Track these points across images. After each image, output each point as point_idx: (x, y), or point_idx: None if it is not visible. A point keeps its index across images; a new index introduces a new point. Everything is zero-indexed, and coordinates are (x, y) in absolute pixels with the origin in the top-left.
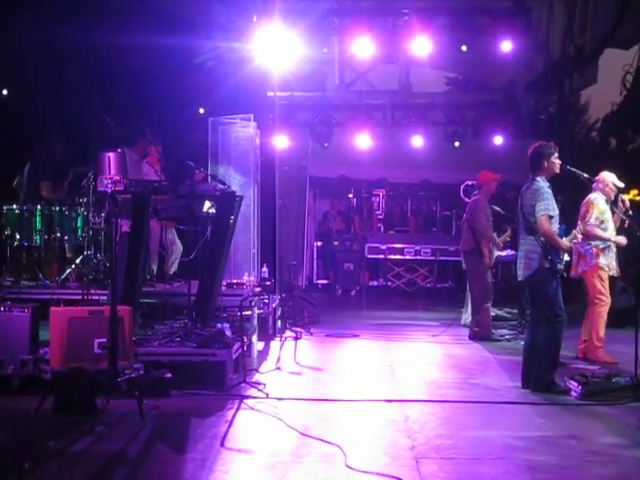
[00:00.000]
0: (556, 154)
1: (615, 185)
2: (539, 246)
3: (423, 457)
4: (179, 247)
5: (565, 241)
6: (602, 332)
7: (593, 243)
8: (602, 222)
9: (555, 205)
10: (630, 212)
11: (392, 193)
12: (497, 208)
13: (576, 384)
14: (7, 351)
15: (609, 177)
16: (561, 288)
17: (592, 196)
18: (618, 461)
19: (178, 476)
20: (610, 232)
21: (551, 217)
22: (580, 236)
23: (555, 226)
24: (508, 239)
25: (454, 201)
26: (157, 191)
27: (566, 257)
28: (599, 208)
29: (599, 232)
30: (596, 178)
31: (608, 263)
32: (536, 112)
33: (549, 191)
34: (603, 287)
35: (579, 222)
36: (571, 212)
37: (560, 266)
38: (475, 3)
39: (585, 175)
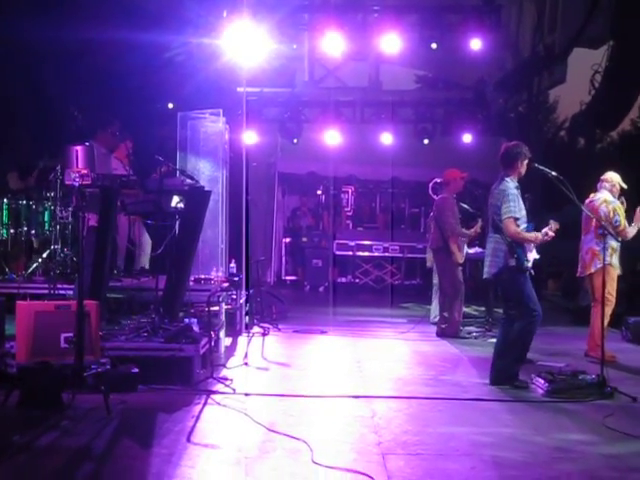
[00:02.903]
0: (527, 160)
1: (620, 186)
2: (505, 244)
3: (390, 453)
4: (149, 242)
5: (534, 233)
6: (605, 330)
7: (609, 242)
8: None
9: (522, 205)
10: None
11: (361, 190)
12: (465, 205)
13: (543, 381)
14: None
15: (616, 178)
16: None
17: (603, 196)
18: (584, 457)
19: (144, 471)
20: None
21: (517, 219)
22: (552, 233)
23: (522, 226)
24: (479, 230)
25: (423, 198)
26: (125, 185)
27: (535, 255)
28: (619, 207)
29: (633, 231)
30: (602, 178)
31: (617, 262)
32: (505, 110)
33: (515, 192)
34: (612, 287)
35: (601, 223)
36: (540, 209)
37: (527, 263)
38: (445, 1)
39: (553, 173)
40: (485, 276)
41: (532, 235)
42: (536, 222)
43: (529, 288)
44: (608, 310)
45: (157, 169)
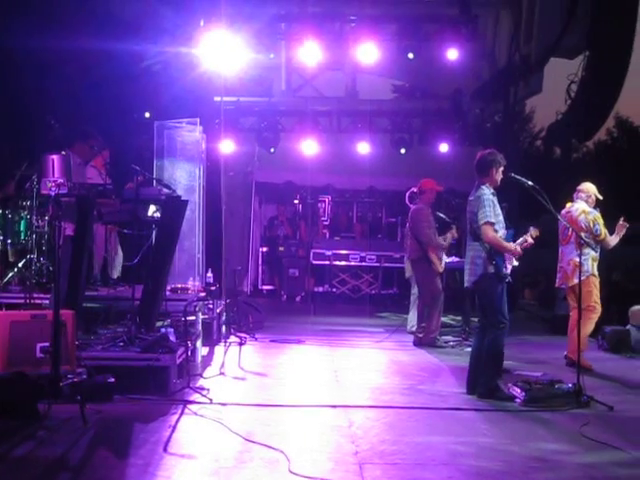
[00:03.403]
0: (502, 168)
1: (596, 197)
2: (483, 251)
3: (367, 462)
4: (119, 252)
5: (512, 245)
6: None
7: (589, 253)
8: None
9: (498, 211)
10: None
11: (338, 199)
12: (442, 215)
13: (519, 390)
14: None
15: (592, 188)
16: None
17: (581, 207)
18: (560, 467)
19: None
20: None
21: (493, 224)
22: (531, 240)
23: (501, 232)
24: (455, 236)
25: (399, 208)
26: (101, 195)
27: (515, 262)
28: (598, 217)
29: (615, 241)
30: (579, 188)
31: (596, 272)
32: (482, 120)
33: (491, 198)
34: (597, 295)
35: (580, 234)
36: (517, 219)
37: (506, 271)
38: (422, 10)
39: (529, 183)
40: (466, 285)
41: (511, 246)
42: (515, 230)
43: (502, 299)
44: (595, 317)
45: (134, 178)
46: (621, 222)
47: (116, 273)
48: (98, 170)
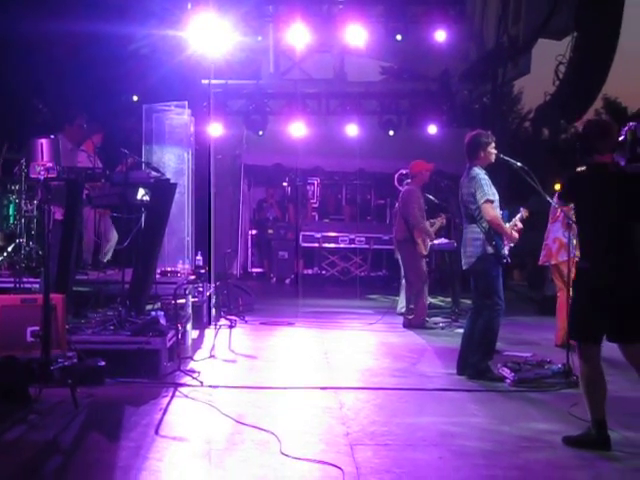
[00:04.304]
0: (493, 144)
1: None
2: (482, 232)
3: (358, 444)
4: (115, 235)
5: (509, 229)
6: None
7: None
8: None
9: (494, 190)
10: None
11: (327, 182)
12: (431, 197)
13: (509, 371)
14: None
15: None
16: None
17: None
18: (550, 446)
19: (112, 464)
20: None
21: (492, 201)
22: (520, 224)
23: (497, 211)
24: (444, 223)
25: (388, 190)
26: (90, 178)
27: (510, 244)
28: None
29: None
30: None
31: None
32: (470, 102)
33: (486, 177)
34: None
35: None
36: (506, 200)
37: (504, 251)
38: None
39: (518, 164)
40: (465, 267)
41: (508, 230)
42: (508, 210)
43: (499, 280)
44: None
45: (123, 162)
46: None
47: (106, 257)
48: (88, 154)
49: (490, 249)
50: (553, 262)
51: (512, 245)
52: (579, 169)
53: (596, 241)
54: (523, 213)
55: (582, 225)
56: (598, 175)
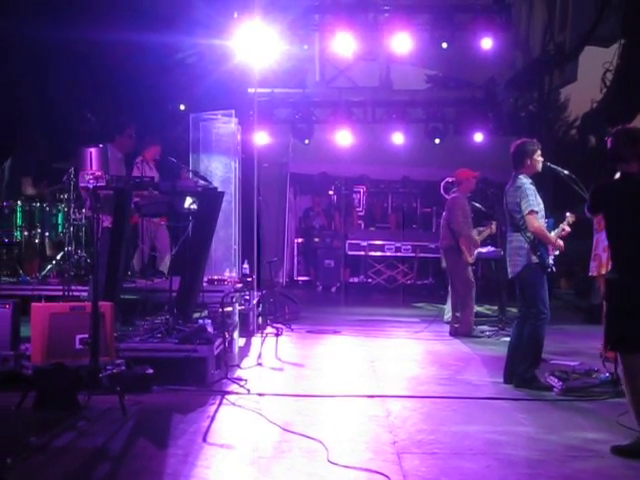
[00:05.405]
0: (539, 151)
1: None
2: (526, 242)
3: (405, 452)
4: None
5: (554, 237)
6: None
7: None
8: None
9: (539, 200)
10: None
11: (373, 190)
12: (477, 205)
13: (556, 380)
14: None
15: None
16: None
17: None
18: (597, 456)
19: (160, 471)
20: None
21: (536, 212)
22: (568, 228)
23: (542, 221)
24: (494, 231)
25: (434, 198)
26: (139, 187)
27: (556, 252)
28: None
29: None
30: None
31: None
32: (516, 109)
33: (532, 187)
34: None
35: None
36: (552, 208)
37: (549, 261)
38: (456, 0)
39: (565, 172)
40: (510, 276)
41: (553, 238)
42: (554, 219)
43: (545, 289)
44: None
45: (183, 171)
46: None
47: (166, 267)
48: (149, 166)
49: (535, 259)
50: (604, 272)
51: (558, 253)
52: (605, 180)
53: (625, 252)
54: (569, 218)
55: (611, 236)
56: (623, 186)
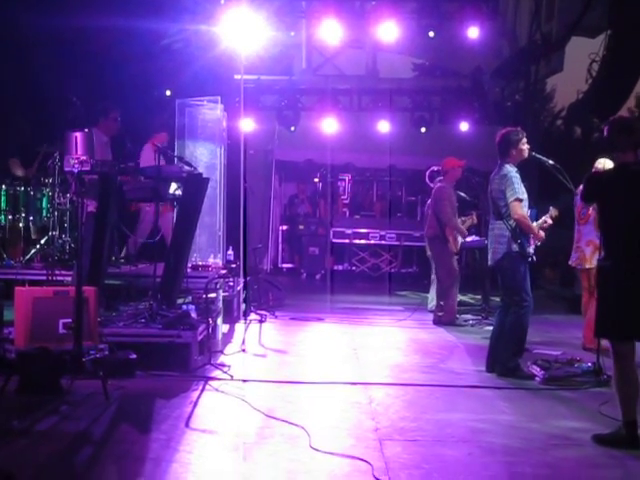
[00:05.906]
0: (524, 140)
1: None
2: (508, 230)
3: (387, 439)
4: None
5: (536, 228)
6: None
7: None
8: None
9: (523, 189)
10: None
11: (358, 178)
12: (462, 194)
13: (539, 369)
14: None
15: (609, 163)
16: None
17: None
18: (579, 445)
19: (142, 456)
20: None
21: (521, 200)
22: (550, 221)
23: (525, 209)
24: (475, 221)
25: (419, 186)
26: (123, 172)
27: (537, 242)
28: None
29: None
30: (595, 165)
31: None
32: (502, 99)
33: (517, 176)
34: None
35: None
36: (536, 198)
37: (530, 250)
38: None
39: (550, 162)
40: (490, 263)
41: (535, 229)
42: (537, 209)
43: (526, 278)
44: None
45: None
46: None
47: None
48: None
49: (515, 247)
50: (587, 266)
51: (539, 243)
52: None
53: (618, 241)
54: (552, 212)
55: (604, 224)
56: (618, 174)
